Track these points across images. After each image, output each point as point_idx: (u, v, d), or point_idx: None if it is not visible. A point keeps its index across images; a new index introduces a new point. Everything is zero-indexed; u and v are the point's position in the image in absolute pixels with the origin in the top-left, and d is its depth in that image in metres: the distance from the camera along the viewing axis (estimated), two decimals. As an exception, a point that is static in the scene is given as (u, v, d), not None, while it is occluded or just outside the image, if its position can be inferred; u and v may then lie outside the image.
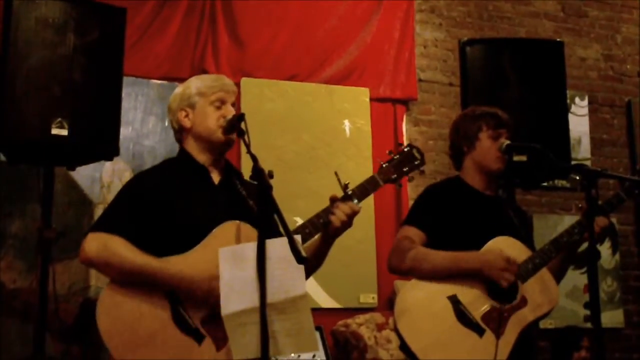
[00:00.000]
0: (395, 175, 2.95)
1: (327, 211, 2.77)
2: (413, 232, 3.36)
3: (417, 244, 3.32)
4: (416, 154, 2.99)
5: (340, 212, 2.75)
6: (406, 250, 3.30)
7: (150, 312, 2.63)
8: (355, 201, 2.80)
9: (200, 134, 2.88)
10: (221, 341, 2.61)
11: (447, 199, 3.45)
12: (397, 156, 2.97)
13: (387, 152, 3.01)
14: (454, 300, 3.23)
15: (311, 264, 2.78)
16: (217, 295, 2.56)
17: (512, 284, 3.26)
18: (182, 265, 2.66)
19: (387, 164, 2.95)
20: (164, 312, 2.64)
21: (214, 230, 2.71)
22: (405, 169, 2.97)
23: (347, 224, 2.77)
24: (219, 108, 2.87)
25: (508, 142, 3.43)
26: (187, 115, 2.90)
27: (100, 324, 2.59)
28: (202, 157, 2.89)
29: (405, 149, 2.99)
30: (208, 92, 2.89)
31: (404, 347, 3.21)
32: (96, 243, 2.67)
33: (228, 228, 2.73)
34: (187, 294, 2.64)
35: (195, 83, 2.95)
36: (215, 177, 2.90)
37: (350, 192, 2.81)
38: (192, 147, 2.91)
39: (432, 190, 3.58)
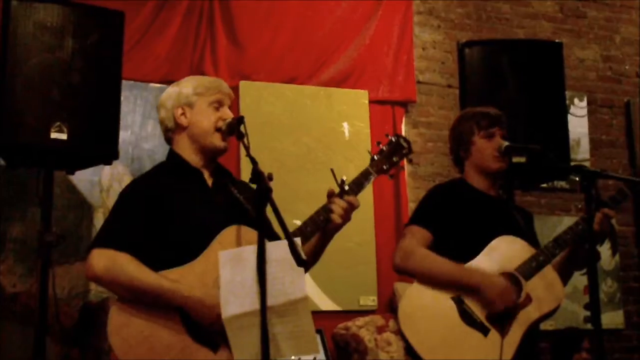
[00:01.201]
0: (386, 166, 2.99)
1: (327, 208, 2.78)
2: (419, 232, 3.37)
3: (422, 244, 3.32)
4: (403, 143, 3.03)
5: (339, 208, 2.77)
6: (410, 251, 3.31)
7: (163, 325, 2.61)
8: (353, 196, 2.83)
9: (196, 134, 2.86)
10: None
11: (452, 199, 3.46)
12: (386, 147, 3.01)
13: (376, 143, 3.04)
14: (458, 300, 3.24)
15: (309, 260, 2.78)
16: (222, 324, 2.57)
17: (517, 284, 3.27)
18: (190, 283, 2.65)
19: (377, 156, 2.99)
20: (176, 323, 2.62)
21: (217, 237, 2.70)
22: (395, 159, 3.00)
23: (347, 218, 2.80)
24: (216, 110, 2.87)
25: (507, 143, 3.43)
26: (183, 114, 2.88)
27: (114, 343, 2.58)
28: (194, 159, 2.87)
29: (393, 139, 3.03)
30: (206, 92, 2.88)
31: (409, 349, 3.21)
32: (104, 261, 2.64)
33: (230, 233, 2.72)
34: (197, 317, 2.63)
35: (192, 82, 2.94)
36: (208, 179, 2.90)
37: (347, 188, 2.83)
38: (184, 148, 2.89)
39: (438, 190, 3.60)
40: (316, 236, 2.82)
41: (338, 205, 2.77)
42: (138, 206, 2.76)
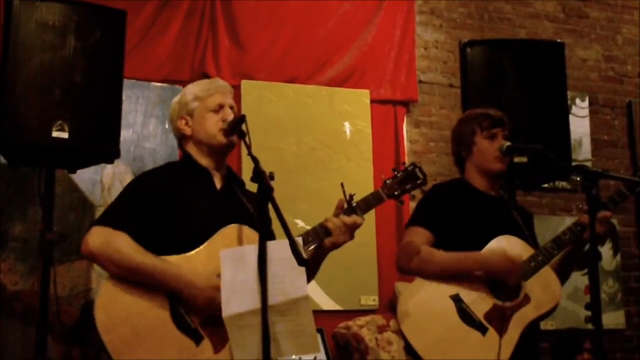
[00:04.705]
0: (397, 192, 3.02)
1: (324, 227, 2.82)
2: (420, 232, 3.38)
3: (424, 244, 3.33)
4: (419, 174, 3.07)
5: (342, 224, 2.79)
6: (413, 251, 3.32)
7: (150, 309, 2.63)
8: (361, 212, 2.87)
9: (201, 139, 2.90)
10: (219, 343, 2.61)
11: (452, 198, 3.47)
12: (401, 174, 3.04)
13: (391, 169, 3.08)
14: (456, 299, 3.25)
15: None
16: (217, 304, 2.56)
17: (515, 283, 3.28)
18: (186, 268, 2.66)
19: (390, 180, 3.02)
20: (163, 310, 2.64)
21: (217, 233, 2.72)
22: (407, 187, 3.05)
23: (349, 236, 2.83)
24: (217, 112, 2.89)
25: (508, 143, 3.44)
26: (186, 123, 2.94)
27: (98, 318, 2.58)
28: (204, 161, 2.92)
29: (409, 168, 3.07)
30: (204, 95, 2.92)
31: (407, 347, 3.22)
32: (101, 237, 2.66)
33: (231, 230, 2.74)
34: (188, 298, 2.64)
35: (191, 89, 2.99)
36: (218, 182, 2.93)
37: (354, 205, 2.87)
38: (194, 151, 2.94)
39: (438, 190, 3.60)
40: (312, 250, 2.84)
41: (333, 224, 2.80)
42: (143, 194, 2.79)
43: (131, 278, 2.64)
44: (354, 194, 2.87)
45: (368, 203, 2.92)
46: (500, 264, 3.23)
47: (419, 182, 3.06)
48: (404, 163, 3.11)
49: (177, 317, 2.64)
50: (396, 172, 3.04)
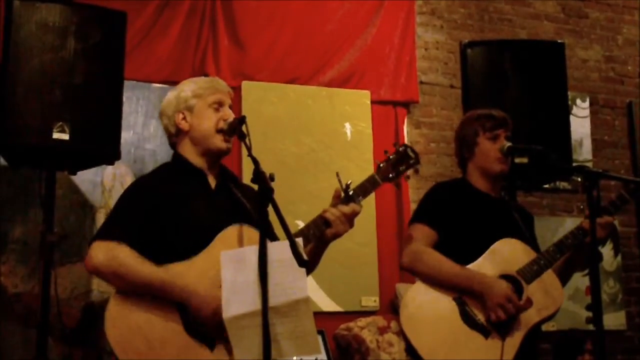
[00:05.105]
0: (392, 174, 2.99)
1: (322, 217, 2.80)
2: (425, 230, 3.37)
3: (428, 244, 3.32)
4: (410, 153, 3.03)
5: (341, 214, 2.77)
6: (418, 251, 3.31)
7: (160, 319, 2.62)
8: (359, 199, 2.84)
9: (198, 137, 2.87)
10: None
11: (453, 197, 3.46)
12: (393, 156, 3.01)
13: (384, 152, 3.04)
14: (459, 301, 3.24)
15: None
16: (221, 316, 2.55)
17: (518, 287, 3.26)
18: (189, 276, 2.65)
19: (384, 164, 2.99)
20: (173, 319, 2.63)
21: (218, 235, 2.71)
22: (401, 168, 3.01)
23: (349, 224, 2.80)
24: (217, 110, 2.87)
25: (509, 144, 3.43)
26: (184, 118, 2.90)
27: (110, 335, 2.57)
28: (198, 161, 2.88)
29: (400, 149, 3.03)
30: (204, 93, 2.90)
31: (410, 349, 3.21)
32: (103, 252, 2.64)
33: (231, 232, 2.73)
34: (194, 309, 2.64)
35: (190, 86, 2.95)
36: (212, 181, 2.90)
37: (351, 193, 2.84)
38: (188, 150, 2.90)
39: (441, 188, 3.59)
40: (312, 243, 2.83)
41: (340, 211, 2.78)
42: (140, 202, 2.77)
43: (137, 291, 2.63)
44: (350, 182, 2.84)
45: (364, 189, 2.90)
46: (497, 296, 3.19)
47: (411, 162, 3.02)
48: (395, 144, 3.06)
49: (189, 325, 2.64)
50: (389, 155, 3.01)
